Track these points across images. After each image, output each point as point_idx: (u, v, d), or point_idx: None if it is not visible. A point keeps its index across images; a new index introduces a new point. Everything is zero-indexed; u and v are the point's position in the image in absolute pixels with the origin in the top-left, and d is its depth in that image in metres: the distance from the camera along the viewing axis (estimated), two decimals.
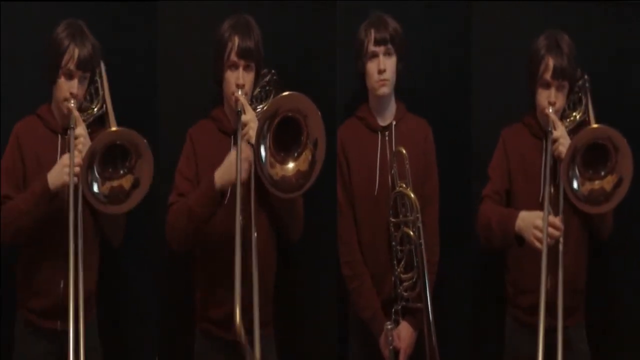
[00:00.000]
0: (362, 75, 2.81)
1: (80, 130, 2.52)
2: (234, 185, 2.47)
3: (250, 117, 2.50)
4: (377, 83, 2.75)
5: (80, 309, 2.40)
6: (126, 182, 2.49)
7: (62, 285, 2.56)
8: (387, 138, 2.82)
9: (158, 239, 2.86)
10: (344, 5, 2.97)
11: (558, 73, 2.65)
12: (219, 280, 2.59)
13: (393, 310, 2.78)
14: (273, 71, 2.71)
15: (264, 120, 2.41)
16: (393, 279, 2.78)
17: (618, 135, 2.47)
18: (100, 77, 2.67)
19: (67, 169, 2.44)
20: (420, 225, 2.72)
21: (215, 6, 2.89)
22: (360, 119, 2.85)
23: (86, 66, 2.58)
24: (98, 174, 2.46)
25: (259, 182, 2.47)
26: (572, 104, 2.74)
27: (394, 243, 2.77)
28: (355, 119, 2.87)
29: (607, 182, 2.52)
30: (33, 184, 2.54)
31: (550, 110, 2.66)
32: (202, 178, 2.62)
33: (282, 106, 2.42)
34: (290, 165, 2.47)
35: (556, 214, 2.56)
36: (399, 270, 2.77)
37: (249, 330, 2.37)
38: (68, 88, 2.56)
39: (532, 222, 2.53)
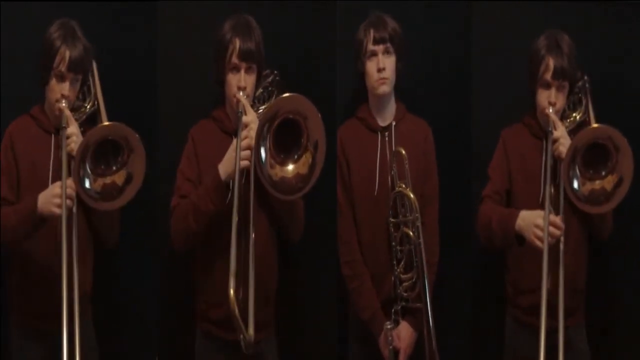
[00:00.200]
0: (362, 75, 2.81)
1: (73, 129, 2.51)
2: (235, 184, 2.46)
3: (251, 119, 2.50)
4: (377, 82, 2.75)
5: (75, 311, 2.40)
6: (119, 177, 2.48)
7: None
8: (387, 138, 2.82)
9: (158, 239, 2.87)
10: (344, 5, 2.97)
11: (558, 73, 2.65)
12: (219, 280, 2.59)
13: (393, 310, 2.78)
14: (275, 72, 2.71)
15: (264, 121, 2.41)
16: (393, 279, 2.78)
17: (618, 134, 2.47)
18: (92, 75, 2.67)
19: (56, 200, 2.42)
20: (419, 225, 2.72)
21: (215, 6, 2.89)
22: (360, 119, 2.85)
23: (77, 68, 2.56)
24: (90, 170, 2.45)
25: (259, 182, 2.47)
26: (572, 104, 2.74)
27: (393, 243, 2.77)
28: (355, 120, 2.87)
29: (608, 182, 2.52)
30: (24, 200, 2.53)
31: (551, 111, 2.66)
32: (204, 179, 2.61)
33: (283, 108, 2.42)
34: (290, 167, 2.47)
35: (557, 214, 2.56)
36: (398, 270, 2.77)
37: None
38: (60, 90, 2.56)
39: (532, 221, 2.53)
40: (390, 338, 2.74)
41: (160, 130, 2.91)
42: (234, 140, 2.52)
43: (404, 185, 2.75)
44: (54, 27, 2.60)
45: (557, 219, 2.52)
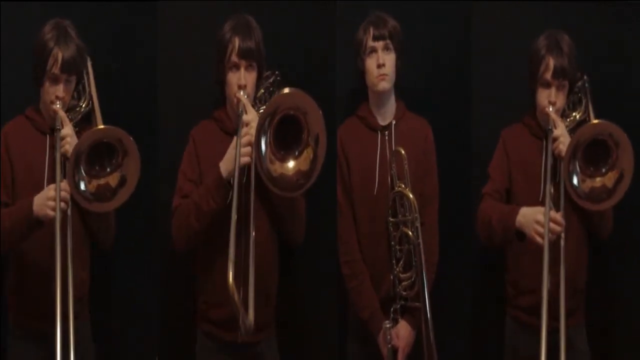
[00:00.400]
0: (362, 73, 2.81)
1: (67, 130, 2.51)
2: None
3: (252, 117, 2.49)
4: (377, 78, 2.75)
5: (70, 312, 2.39)
6: (113, 179, 2.48)
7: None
8: (386, 137, 2.82)
9: (158, 239, 2.86)
10: (344, 5, 2.98)
11: (558, 73, 2.66)
12: (219, 281, 2.59)
13: (392, 309, 2.78)
14: (277, 72, 2.71)
15: (264, 118, 2.40)
16: (392, 278, 2.78)
17: (619, 130, 2.47)
18: (87, 74, 2.66)
19: (51, 203, 2.41)
20: (418, 225, 2.72)
21: (215, 6, 2.89)
22: (360, 118, 2.85)
23: (70, 69, 2.56)
24: (85, 172, 2.45)
25: (259, 182, 2.46)
26: (572, 103, 2.74)
27: (392, 242, 2.77)
28: (355, 118, 2.87)
29: (609, 179, 2.52)
30: (20, 202, 2.53)
31: (551, 109, 2.66)
32: (205, 179, 2.61)
33: (283, 104, 2.41)
34: (291, 164, 2.47)
35: (557, 211, 2.56)
36: (397, 269, 2.77)
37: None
38: (54, 92, 2.55)
39: (533, 217, 2.53)
40: (389, 337, 2.74)
41: (161, 130, 2.91)
42: (235, 139, 2.51)
43: (403, 185, 2.75)
44: (46, 27, 2.59)
45: (558, 215, 2.52)
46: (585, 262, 2.76)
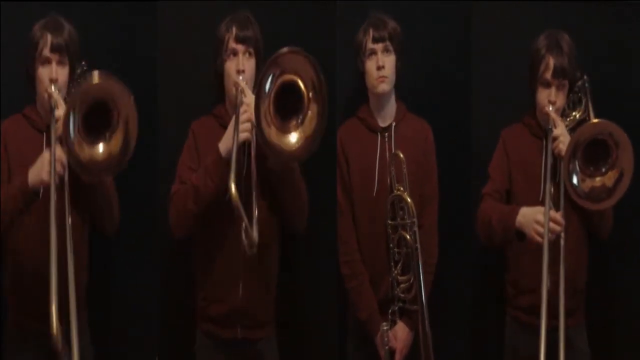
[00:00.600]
0: (363, 75, 2.81)
1: (62, 111, 2.44)
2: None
3: (250, 100, 2.44)
4: (376, 80, 2.75)
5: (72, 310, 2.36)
6: (115, 143, 2.38)
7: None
8: (386, 139, 2.82)
9: (158, 239, 2.86)
10: (344, 5, 2.98)
11: (558, 72, 2.66)
12: (218, 276, 2.59)
13: (390, 311, 2.78)
14: None
15: (265, 74, 2.34)
16: (390, 279, 2.78)
17: (619, 129, 2.47)
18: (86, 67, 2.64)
19: (47, 167, 2.37)
20: (416, 229, 2.72)
21: (215, 6, 2.89)
22: (360, 119, 2.86)
23: (61, 49, 2.54)
24: (83, 138, 2.35)
25: (259, 168, 2.45)
26: (572, 103, 2.74)
27: (391, 245, 2.77)
28: (356, 119, 2.87)
29: (608, 178, 2.52)
30: (14, 179, 2.51)
31: (551, 109, 2.66)
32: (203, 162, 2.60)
33: (283, 68, 2.37)
34: (294, 138, 2.40)
35: (557, 211, 2.56)
36: (395, 271, 2.77)
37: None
38: (47, 74, 2.53)
39: (533, 217, 2.53)
40: (386, 339, 2.74)
41: (161, 130, 2.91)
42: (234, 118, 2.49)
43: (402, 189, 2.75)
44: (38, 23, 2.59)
45: (557, 215, 2.52)
46: (585, 262, 2.76)
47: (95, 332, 2.73)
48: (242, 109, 2.45)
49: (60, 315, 2.25)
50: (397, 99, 2.86)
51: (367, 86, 2.81)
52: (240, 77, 2.57)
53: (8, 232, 2.55)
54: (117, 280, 2.94)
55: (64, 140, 2.30)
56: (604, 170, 2.52)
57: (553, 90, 2.67)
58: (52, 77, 2.53)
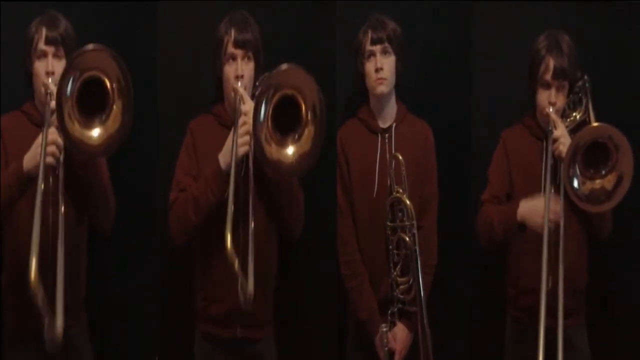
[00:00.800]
0: (362, 76, 2.81)
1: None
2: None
3: (249, 108, 2.45)
4: (375, 82, 2.75)
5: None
6: (111, 124, 2.35)
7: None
8: (387, 140, 2.82)
9: (158, 238, 2.86)
10: (344, 5, 2.98)
11: (558, 73, 2.65)
12: (218, 276, 2.59)
13: (389, 312, 2.78)
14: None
15: (262, 98, 2.35)
16: (390, 281, 2.78)
17: (619, 133, 2.47)
18: None
19: (40, 149, 2.33)
20: (415, 231, 2.72)
21: (215, 6, 2.89)
22: (360, 120, 2.85)
23: (57, 42, 2.54)
24: (80, 116, 2.33)
25: (257, 174, 2.45)
26: (572, 104, 2.74)
27: (390, 246, 2.77)
28: (356, 120, 2.87)
29: (608, 181, 2.52)
30: (10, 164, 2.49)
31: (551, 110, 2.66)
32: (202, 172, 2.60)
33: (281, 81, 2.36)
34: (290, 150, 2.41)
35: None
36: (395, 273, 2.77)
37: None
38: (43, 67, 2.53)
39: (533, 204, 2.56)
40: (385, 340, 2.74)
41: (160, 130, 2.91)
42: (231, 134, 2.49)
43: (401, 191, 2.75)
44: (34, 20, 2.60)
45: (557, 206, 2.53)
46: (586, 262, 2.76)
47: (95, 332, 2.74)
48: (240, 121, 2.45)
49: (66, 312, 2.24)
50: (398, 100, 2.86)
51: (367, 87, 2.81)
52: (239, 83, 2.57)
53: (6, 232, 2.55)
54: (117, 280, 2.94)
55: (57, 118, 2.29)
56: (603, 173, 2.52)
57: (553, 91, 2.67)
58: (49, 69, 2.53)
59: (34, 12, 2.80)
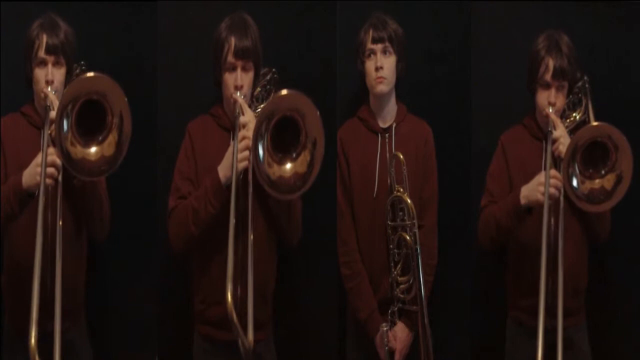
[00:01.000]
0: (363, 75, 2.81)
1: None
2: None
3: (249, 119, 2.47)
4: (375, 81, 2.75)
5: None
6: (111, 142, 2.37)
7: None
8: (387, 140, 2.82)
9: (158, 240, 2.86)
10: (344, 5, 2.98)
11: (558, 73, 2.65)
12: (217, 278, 2.58)
13: (389, 311, 2.78)
14: (273, 70, 2.70)
15: (262, 119, 2.38)
16: (390, 280, 2.78)
17: (618, 133, 2.47)
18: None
19: (39, 169, 2.37)
20: (416, 230, 2.72)
21: (215, 6, 2.89)
22: (361, 119, 2.85)
23: (57, 50, 2.55)
24: (79, 136, 2.35)
25: (257, 183, 2.46)
26: (572, 104, 2.74)
27: (391, 246, 2.77)
28: (356, 120, 2.87)
29: (607, 181, 2.52)
30: (10, 178, 2.50)
31: (551, 110, 2.66)
32: (201, 176, 2.60)
33: (280, 105, 2.39)
34: (288, 166, 2.45)
35: (557, 214, 2.57)
36: (395, 272, 2.77)
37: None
38: (43, 75, 2.54)
39: (535, 183, 2.55)
40: (385, 339, 2.74)
41: (160, 130, 2.91)
42: (232, 142, 2.50)
43: (402, 190, 2.75)
44: (34, 23, 2.60)
45: (556, 178, 2.54)
46: (586, 263, 2.76)
47: (95, 334, 2.74)
48: (240, 135, 2.46)
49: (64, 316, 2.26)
50: (398, 100, 2.86)
51: (368, 87, 2.81)
52: (238, 93, 2.57)
53: (6, 235, 2.56)
54: (116, 283, 2.94)
55: (56, 139, 2.31)
56: (603, 172, 2.52)
57: (553, 91, 2.67)
58: (48, 78, 2.54)
59: (34, 12, 2.81)
